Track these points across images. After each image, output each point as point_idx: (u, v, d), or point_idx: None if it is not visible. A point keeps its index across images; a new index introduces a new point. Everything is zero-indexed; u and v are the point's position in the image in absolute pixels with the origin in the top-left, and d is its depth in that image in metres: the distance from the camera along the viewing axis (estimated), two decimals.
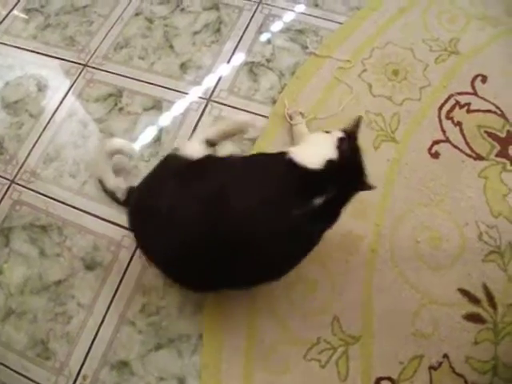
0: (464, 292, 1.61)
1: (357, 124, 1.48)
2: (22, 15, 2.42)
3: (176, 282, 1.51)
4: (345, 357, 1.54)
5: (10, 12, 2.44)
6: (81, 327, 1.65)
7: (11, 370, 1.63)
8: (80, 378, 1.59)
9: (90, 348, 1.62)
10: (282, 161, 1.38)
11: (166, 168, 1.49)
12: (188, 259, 1.31)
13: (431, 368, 1.51)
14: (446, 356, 1.52)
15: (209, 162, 1.46)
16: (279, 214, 1.29)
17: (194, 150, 1.50)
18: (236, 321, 1.61)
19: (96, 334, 1.63)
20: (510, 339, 1.53)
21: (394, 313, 1.59)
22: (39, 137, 2.03)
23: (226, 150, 1.88)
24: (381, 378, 1.51)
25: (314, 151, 1.42)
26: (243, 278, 1.37)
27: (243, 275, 1.34)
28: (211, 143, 1.59)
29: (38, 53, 2.29)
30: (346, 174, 1.40)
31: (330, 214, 1.41)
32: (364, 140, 1.83)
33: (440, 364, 1.51)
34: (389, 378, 1.50)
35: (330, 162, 1.37)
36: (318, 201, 1.32)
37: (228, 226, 1.28)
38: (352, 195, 1.44)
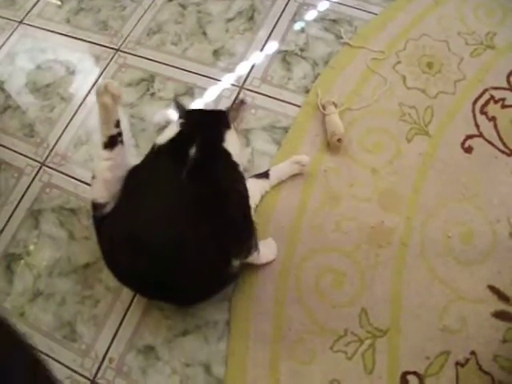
0: (494, 289, 1.58)
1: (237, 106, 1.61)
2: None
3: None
4: (371, 350, 1.53)
5: None
6: (108, 311, 1.66)
7: (38, 350, 1.64)
8: (106, 361, 1.60)
9: (116, 332, 1.63)
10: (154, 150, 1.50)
11: None
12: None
13: (458, 364, 1.49)
14: (473, 353, 1.50)
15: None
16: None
17: None
18: (263, 309, 1.60)
19: (123, 317, 1.64)
20: None
21: (423, 307, 1.57)
22: (70, 120, 2.04)
23: (258, 138, 1.89)
24: (407, 373, 1.49)
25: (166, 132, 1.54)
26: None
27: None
28: None
29: (70, 37, 2.30)
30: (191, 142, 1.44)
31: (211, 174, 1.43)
32: (397, 132, 1.83)
33: (467, 361, 1.49)
34: (415, 373, 1.49)
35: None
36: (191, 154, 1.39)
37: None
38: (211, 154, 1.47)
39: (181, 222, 1.30)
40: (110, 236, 1.41)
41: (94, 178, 1.46)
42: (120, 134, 1.45)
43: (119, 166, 1.46)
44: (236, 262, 1.42)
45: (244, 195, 1.46)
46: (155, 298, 1.57)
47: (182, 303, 1.59)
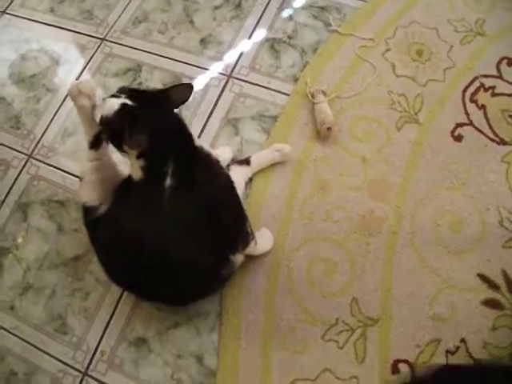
0: (483, 277, 1.59)
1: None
2: None
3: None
4: (363, 338, 1.54)
5: None
6: (99, 303, 1.66)
7: (29, 343, 1.65)
8: (98, 354, 1.60)
9: (107, 324, 1.63)
10: None
11: None
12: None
13: (448, 352, 1.50)
14: (463, 341, 1.51)
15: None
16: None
17: None
18: (254, 300, 1.61)
19: (114, 310, 1.64)
20: None
21: (413, 296, 1.58)
22: (57, 111, 2.03)
23: (247, 127, 1.88)
24: (398, 361, 1.50)
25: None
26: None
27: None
28: None
29: (54, 26, 2.27)
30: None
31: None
32: (387, 121, 1.83)
33: (457, 348, 1.51)
34: (406, 361, 1.50)
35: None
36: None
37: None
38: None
39: (174, 231, 1.31)
40: (107, 240, 1.43)
41: (81, 180, 1.46)
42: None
43: (107, 166, 1.47)
44: (234, 258, 1.43)
45: (229, 192, 1.44)
46: (153, 300, 1.59)
47: (178, 304, 1.60)
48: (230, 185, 1.44)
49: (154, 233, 1.30)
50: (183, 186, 1.31)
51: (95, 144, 1.44)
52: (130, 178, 1.43)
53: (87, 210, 1.47)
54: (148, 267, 1.34)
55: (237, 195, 1.47)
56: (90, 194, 1.46)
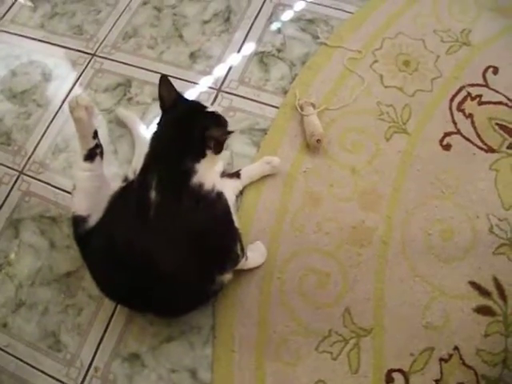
0: (475, 285, 1.60)
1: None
2: (29, 3, 2.41)
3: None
4: (356, 349, 1.54)
5: (16, 0, 2.44)
6: (91, 319, 1.66)
7: (22, 361, 1.64)
8: (91, 370, 1.60)
9: (101, 340, 1.62)
10: None
11: None
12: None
13: (442, 360, 1.51)
14: (456, 348, 1.52)
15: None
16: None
17: None
18: (247, 312, 1.61)
19: (107, 325, 1.64)
20: None
21: (405, 305, 1.59)
22: (48, 127, 2.03)
23: (237, 141, 1.89)
24: (392, 370, 1.51)
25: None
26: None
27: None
28: None
29: (45, 42, 2.28)
30: None
31: None
32: (376, 131, 1.84)
33: (450, 356, 1.51)
34: (400, 370, 1.51)
35: None
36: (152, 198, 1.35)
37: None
38: None
39: (159, 244, 1.32)
40: (98, 251, 1.44)
41: (74, 189, 1.49)
42: (98, 146, 1.49)
43: (99, 177, 1.49)
44: (221, 278, 1.45)
45: (219, 220, 1.42)
46: (144, 311, 1.59)
47: (167, 316, 1.61)
48: (221, 213, 1.42)
49: (141, 243, 1.32)
50: (168, 203, 1.31)
51: (90, 157, 1.47)
52: (120, 190, 1.49)
53: (77, 221, 1.48)
54: (137, 278, 1.35)
55: (227, 220, 1.45)
56: (81, 204, 1.48)
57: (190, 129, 1.36)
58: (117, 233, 1.39)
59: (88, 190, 1.47)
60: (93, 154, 1.48)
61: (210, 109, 1.46)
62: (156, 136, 1.41)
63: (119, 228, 1.40)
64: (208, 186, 1.35)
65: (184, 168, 1.32)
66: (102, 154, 1.51)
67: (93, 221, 1.47)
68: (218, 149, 1.38)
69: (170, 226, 1.31)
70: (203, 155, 1.34)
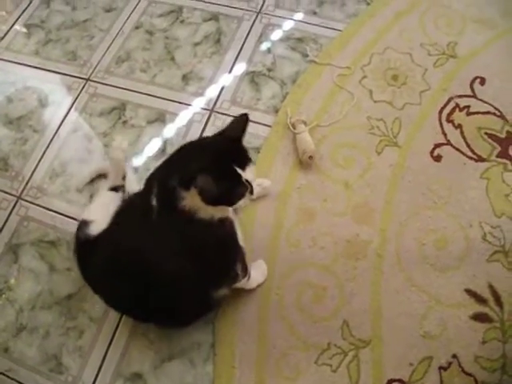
0: (470, 292, 1.62)
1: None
2: (23, 30, 2.44)
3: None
4: (356, 361, 1.55)
5: (10, 28, 2.47)
6: (93, 341, 1.66)
7: None
8: None
9: (102, 361, 1.63)
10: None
11: None
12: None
13: (441, 368, 1.52)
14: (455, 356, 1.53)
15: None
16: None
17: None
18: (247, 329, 1.62)
19: (108, 346, 1.65)
20: None
21: (403, 316, 1.60)
22: (44, 152, 2.05)
23: None
24: (392, 381, 1.52)
25: None
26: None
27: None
28: None
29: (39, 68, 2.31)
30: None
31: None
32: (367, 146, 1.87)
33: (449, 364, 1.53)
34: (400, 380, 1.52)
35: None
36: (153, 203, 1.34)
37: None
38: None
39: (158, 249, 1.31)
40: (103, 259, 1.44)
41: (93, 200, 1.72)
42: (123, 186, 1.74)
43: (116, 200, 1.63)
44: (216, 293, 1.46)
45: (219, 241, 1.36)
46: (141, 320, 1.60)
47: (166, 325, 1.62)
48: (220, 236, 1.36)
49: (142, 243, 1.32)
50: (164, 213, 1.30)
51: (114, 189, 1.73)
52: (124, 202, 1.56)
53: (81, 224, 1.55)
54: (136, 281, 1.35)
55: (226, 242, 1.40)
56: (90, 211, 1.60)
57: (194, 157, 1.28)
58: (120, 234, 1.42)
59: (103, 205, 1.59)
60: (118, 188, 1.72)
61: (250, 168, 1.28)
62: (179, 148, 1.36)
63: (123, 229, 1.43)
64: (203, 215, 1.26)
65: (171, 188, 1.24)
66: (123, 188, 1.73)
67: (94, 229, 1.51)
68: (206, 200, 1.22)
69: (168, 233, 1.30)
70: (187, 188, 1.22)
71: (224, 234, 1.37)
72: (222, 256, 1.39)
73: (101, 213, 1.54)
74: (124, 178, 1.73)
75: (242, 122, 1.31)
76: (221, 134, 1.33)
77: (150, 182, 1.36)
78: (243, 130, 1.30)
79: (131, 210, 1.46)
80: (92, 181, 1.95)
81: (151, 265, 1.31)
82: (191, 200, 1.22)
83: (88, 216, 1.57)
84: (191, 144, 1.36)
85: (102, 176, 1.93)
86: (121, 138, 2.00)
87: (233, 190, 1.24)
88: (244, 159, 1.26)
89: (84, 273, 1.53)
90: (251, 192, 1.28)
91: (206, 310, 1.55)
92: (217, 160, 1.23)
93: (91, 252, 1.47)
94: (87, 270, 1.52)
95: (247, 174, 1.24)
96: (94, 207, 1.65)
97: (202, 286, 1.40)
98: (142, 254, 1.32)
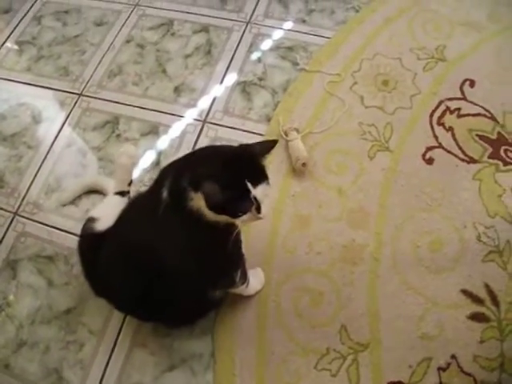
0: (467, 293, 1.63)
1: None
2: (15, 48, 2.46)
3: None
4: (355, 364, 1.56)
5: (2, 45, 2.49)
6: (93, 354, 1.66)
7: None
8: None
9: (103, 373, 1.63)
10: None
11: None
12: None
13: (440, 369, 1.53)
14: (453, 357, 1.54)
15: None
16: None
17: None
18: (246, 336, 1.63)
19: (109, 358, 1.65)
20: None
21: (400, 318, 1.61)
22: (39, 168, 2.06)
23: None
24: (392, 383, 1.52)
25: None
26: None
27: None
28: None
29: (32, 85, 2.33)
30: None
31: None
32: (359, 151, 1.88)
33: (448, 365, 1.53)
34: (399, 382, 1.52)
35: None
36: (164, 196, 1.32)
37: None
38: None
39: (162, 240, 1.31)
40: (104, 254, 1.47)
41: (103, 201, 1.73)
42: (129, 192, 1.74)
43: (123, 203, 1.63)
44: (213, 294, 1.47)
45: (221, 242, 1.34)
46: (143, 317, 1.62)
47: (167, 324, 1.64)
48: (225, 241, 1.33)
49: (146, 233, 1.33)
50: (174, 208, 1.28)
51: (120, 194, 1.71)
52: (131, 200, 1.62)
53: (88, 220, 1.60)
54: (141, 274, 1.37)
55: (229, 248, 1.35)
56: (98, 209, 1.65)
57: (209, 162, 1.27)
58: (126, 226, 1.45)
59: (110, 206, 1.62)
60: (124, 193, 1.72)
61: (263, 187, 1.25)
62: (201, 148, 1.39)
63: (129, 221, 1.46)
64: (209, 218, 1.24)
65: (182, 186, 1.24)
66: (129, 193, 1.73)
67: (99, 225, 1.55)
68: (209, 206, 1.20)
69: (174, 228, 1.29)
70: (196, 190, 1.22)
71: (228, 239, 1.33)
72: (222, 259, 1.38)
73: (107, 212, 1.57)
74: (130, 183, 1.73)
75: (270, 143, 1.30)
76: (245, 147, 1.31)
77: (164, 174, 1.35)
78: (268, 150, 1.28)
79: (139, 203, 1.49)
80: (80, 197, 1.97)
81: (154, 256, 1.32)
82: (198, 202, 1.21)
83: (95, 213, 1.62)
84: (213, 148, 1.41)
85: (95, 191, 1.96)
86: (129, 144, 2.03)
87: (237, 203, 1.22)
88: (258, 177, 1.24)
89: (86, 269, 1.55)
90: (258, 210, 1.25)
91: (205, 308, 1.57)
92: (229, 170, 1.21)
93: (95, 247, 1.49)
94: (90, 266, 1.53)
95: (258, 191, 1.21)
96: (101, 207, 1.69)
97: (201, 285, 1.41)
98: (146, 246, 1.33)
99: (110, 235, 1.49)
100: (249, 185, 1.20)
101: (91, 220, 1.59)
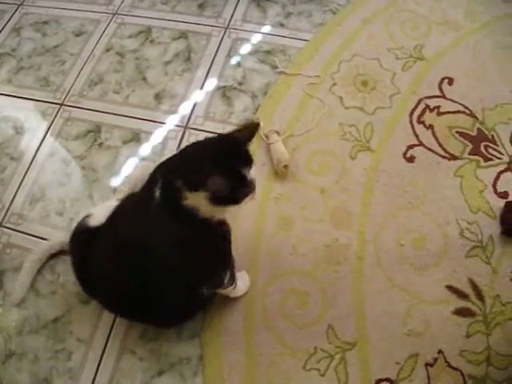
0: (452, 288, 1.65)
1: None
2: None
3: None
4: (343, 363, 1.57)
5: None
6: (82, 362, 1.66)
7: None
8: None
9: (93, 381, 1.62)
10: None
11: None
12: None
13: (427, 365, 1.55)
14: (440, 352, 1.56)
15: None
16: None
17: None
18: (233, 339, 1.63)
19: (98, 366, 1.65)
20: (501, 329, 1.58)
21: (386, 315, 1.63)
22: (23, 179, 2.05)
23: None
24: (380, 380, 1.54)
25: None
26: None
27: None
28: None
29: (13, 96, 2.32)
30: None
31: None
32: (341, 152, 1.89)
33: (435, 360, 1.55)
34: (388, 379, 1.54)
35: None
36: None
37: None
38: None
39: (152, 235, 1.33)
40: (96, 249, 1.47)
41: (102, 204, 1.71)
42: None
43: None
44: (203, 291, 1.46)
45: (208, 246, 1.39)
46: (129, 316, 1.62)
47: (155, 323, 1.64)
48: (216, 239, 1.40)
49: (137, 228, 1.36)
50: (167, 207, 1.30)
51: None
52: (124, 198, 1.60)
53: (84, 216, 1.61)
54: (132, 270, 1.37)
55: (220, 248, 1.43)
56: (101, 212, 1.58)
57: (202, 160, 1.29)
58: (118, 222, 1.47)
59: (108, 207, 1.57)
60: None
61: (253, 169, 1.33)
62: (187, 146, 1.41)
63: (122, 218, 1.47)
64: (204, 214, 1.29)
65: (175, 187, 1.26)
66: None
67: (93, 221, 1.56)
68: (215, 201, 1.25)
69: (166, 224, 1.32)
70: (195, 190, 1.25)
71: (220, 236, 1.41)
72: (212, 256, 1.41)
73: (104, 211, 1.56)
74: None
75: (252, 127, 1.35)
76: (227, 136, 1.36)
77: (156, 173, 1.37)
78: (251, 136, 1.34)
79: (132, 202, 1.49)
80: (64, 205, 1.97)
81: (145, 253, 1.33)
82: (194, 200, 1.25)
83: (92, 210, 1.63)
84: (200, 143, 1.38)
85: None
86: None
87: (240, 189, 1.29)
88: (248, 161, 1.32)
89: (76, 266, 1.55)
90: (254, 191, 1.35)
91: (194, 307, 1.57)
92: (225, 162, 1.27)
93: (87, 243, 1.50)
94: (80, 263, 1.53)
95: (251, 175, 1.31)
96: (99, 207, 1.68)
97: (191, 282, 1.42)
98: (137, 242, 1.34)
99: (101, 232, 1.50)
100: (243, 171, 1.28)
101: (87, 216, 1.59)
